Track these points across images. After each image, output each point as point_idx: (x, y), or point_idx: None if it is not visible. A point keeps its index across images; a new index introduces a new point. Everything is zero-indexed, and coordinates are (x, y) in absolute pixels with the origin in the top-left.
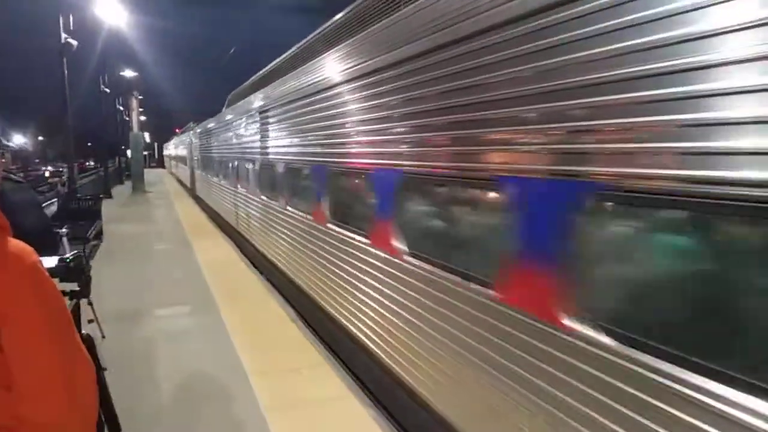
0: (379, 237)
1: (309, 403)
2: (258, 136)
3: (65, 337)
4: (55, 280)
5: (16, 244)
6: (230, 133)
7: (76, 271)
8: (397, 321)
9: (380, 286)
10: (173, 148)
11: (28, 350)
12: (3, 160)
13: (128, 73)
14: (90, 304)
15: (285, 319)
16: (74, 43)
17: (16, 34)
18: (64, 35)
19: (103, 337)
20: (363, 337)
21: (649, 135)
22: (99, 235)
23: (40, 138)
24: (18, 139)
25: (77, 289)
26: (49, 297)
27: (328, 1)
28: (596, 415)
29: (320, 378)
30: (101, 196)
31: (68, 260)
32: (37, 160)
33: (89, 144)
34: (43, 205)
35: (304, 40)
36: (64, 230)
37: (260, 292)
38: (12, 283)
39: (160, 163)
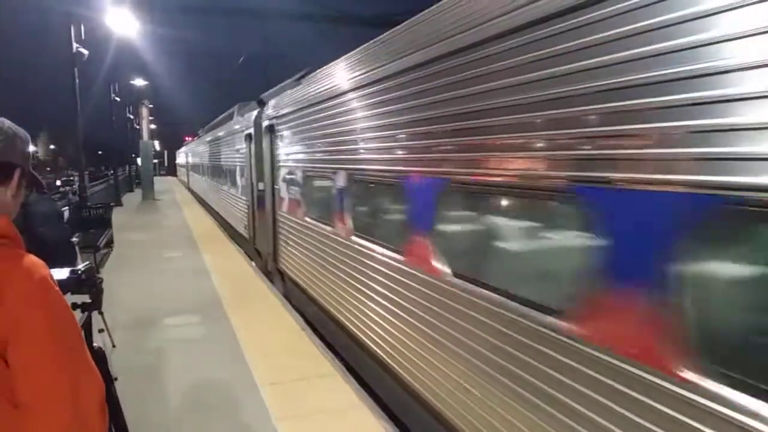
0: None
1: (320, 413)
2: None
3: (73, 354)
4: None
5: (26, 257)
6: None
7: (88, 284)
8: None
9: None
10: (192, 156)
11: (34, 367)
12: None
13: (138, 82)
14: (100, 313)
15: (295, 329)
16: (85, 52)
17: (28, 43)
18: (75, 44)
19: (114, 346)
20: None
21: None
22: (109, 244)
23: (52, 146)
24: (29, 148)
25: (89, 301)
26: (58, 313)
27: (338, 11)
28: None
29: (331, 388)
30: (112, 204)
31: (80, 272)
32: (48, 169)
33: (100, 152)
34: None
35: None
36: (75, 239)
37: (269, 300)
38: (20, 298)
39: (170, 171)
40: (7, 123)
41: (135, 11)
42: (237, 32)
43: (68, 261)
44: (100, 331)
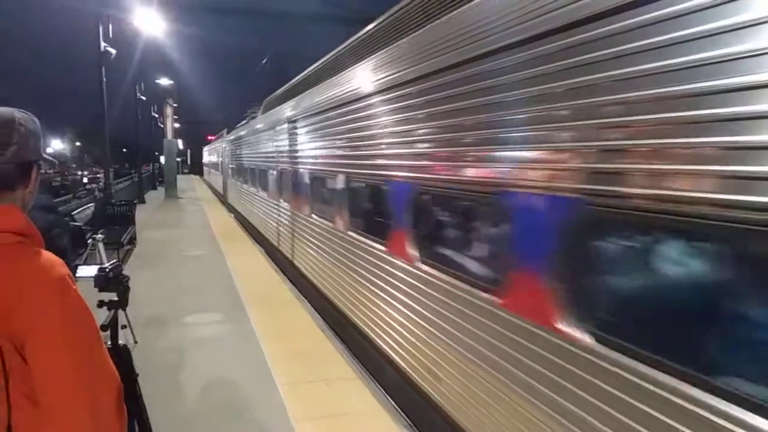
0: None
1: (339, 416)
2: None
3: (90, 354)
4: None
5: (44, 255)
6: None
7: (115, 281)
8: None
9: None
10: (236, 156)
11: (51, 367)
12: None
13: (164, 81)
14: (123, 310)
15: (315, 329)
16: (113, 51)
17: (58, 41)
18: (103, 44)
19: (135, 342)
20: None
21: None
22: (132, 240)
23: (77, 143)
24: (56, 145)
25: (116, 299)
26: (75, 312)
27: (360, 12)
28: None
29: (351, 391)
30: (135, 201)
31: (107, 270)
32: (74, 165)
33: (124, 150)
34: (78, 210)
35: None
36: (100, 235)
37: (290, 301)
38: (38, 298)
39: (193, 169)
40: (18, 117)
41: (162, 11)
42: (260, 33)
43: (64, 250)
44: (123, 327)
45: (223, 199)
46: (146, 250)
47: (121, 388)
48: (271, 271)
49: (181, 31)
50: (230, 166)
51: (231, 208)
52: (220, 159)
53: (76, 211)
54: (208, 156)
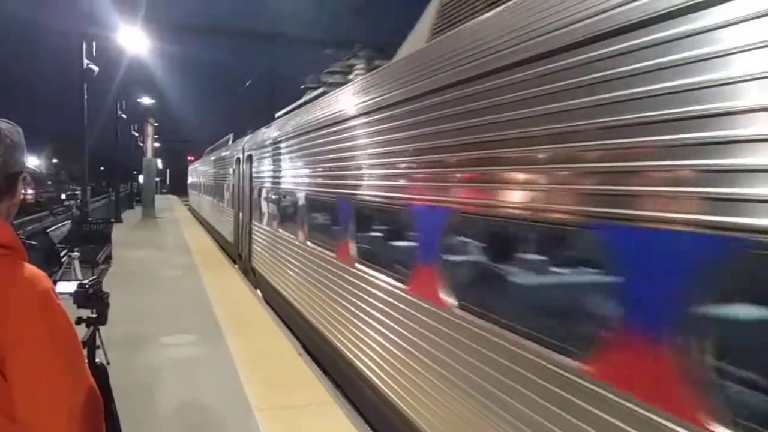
0: None
1: None
2: None
3: (73, 369)
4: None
5: (28, 268)
6: None
7: (95, 298)
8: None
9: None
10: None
11: (33, 383)
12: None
13: (146, 100)
14: (97, 329)
15: (292, 353)
16: (95, 68)
17: (38, 57)
18: (86, 61)
19: (108, 363)
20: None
21: None
22: (108, 259)
23: (54, 160)
24: (32, 161)
25: (94, 316)
26: (59, 327)
27: (344, 37)
28: None
29: (328, 417)
30: (112, 220)
31: (87, 286)
32: (49, 182)
33: (102, 168)
34: (54, 227)
35: None
36: (76, 253)
37: (267, 324)
38: (22, 311)
39: (172, 190)
40: (3, 128)
41: (146, 30)
42: (244, 54)
43: None
44: (96, 347)
45: (236, 252)
46: (122, 270)
47: (102, 405)
48: (248, 294)
49: (164, 51)
50: (267, 196)
51: (260, 282)
52: (229, 182)
53: (50, 229)
54: (198, 177)
